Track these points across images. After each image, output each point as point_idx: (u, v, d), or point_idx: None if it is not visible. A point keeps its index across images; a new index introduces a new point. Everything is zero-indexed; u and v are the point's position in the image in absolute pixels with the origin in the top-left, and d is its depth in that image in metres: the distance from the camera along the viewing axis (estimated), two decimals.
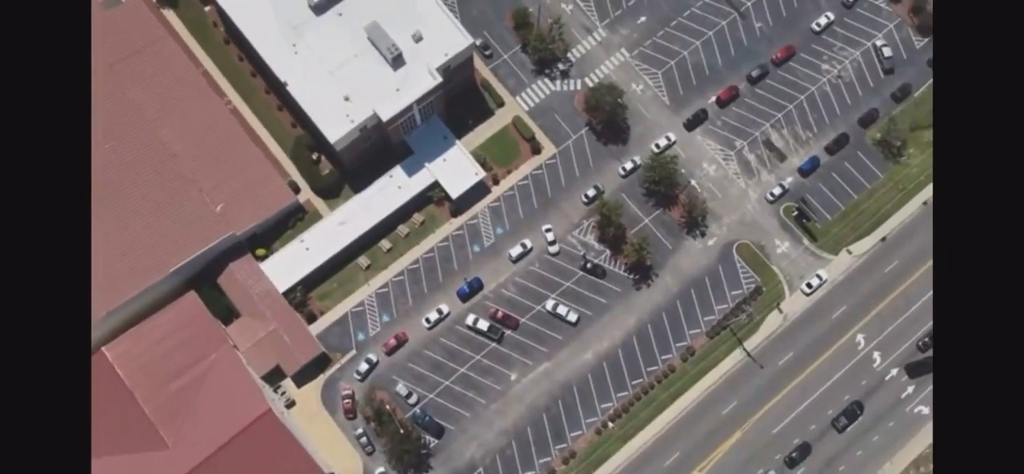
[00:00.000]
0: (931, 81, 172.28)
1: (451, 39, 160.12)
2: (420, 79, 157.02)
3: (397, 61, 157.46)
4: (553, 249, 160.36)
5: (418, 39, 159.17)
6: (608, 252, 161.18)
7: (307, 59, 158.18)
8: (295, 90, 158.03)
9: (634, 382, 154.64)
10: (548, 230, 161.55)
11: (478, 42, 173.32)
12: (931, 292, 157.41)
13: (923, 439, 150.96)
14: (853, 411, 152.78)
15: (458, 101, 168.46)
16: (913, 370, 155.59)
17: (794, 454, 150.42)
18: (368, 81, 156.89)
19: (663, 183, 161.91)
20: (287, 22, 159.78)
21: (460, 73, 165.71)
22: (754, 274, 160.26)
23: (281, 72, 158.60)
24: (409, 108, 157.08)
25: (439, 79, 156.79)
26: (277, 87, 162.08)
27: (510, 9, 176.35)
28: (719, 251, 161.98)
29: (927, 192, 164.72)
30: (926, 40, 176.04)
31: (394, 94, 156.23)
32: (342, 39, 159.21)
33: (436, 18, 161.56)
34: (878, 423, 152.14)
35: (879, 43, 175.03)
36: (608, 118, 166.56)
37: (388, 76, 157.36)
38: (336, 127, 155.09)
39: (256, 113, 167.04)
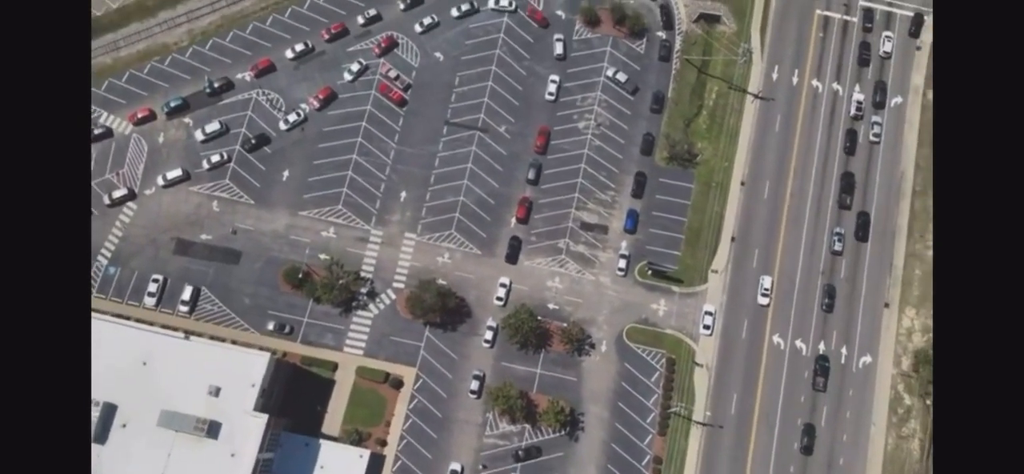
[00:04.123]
0: (673, 71, 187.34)
1: (247, 367, 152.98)
2: (246, 430, 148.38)
3: (213, 429, 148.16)
4: None
5: (216, 392, 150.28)
6: (528, 427, 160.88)
7: None
8: None
9: None
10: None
11: (271, 327, 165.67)
12: (800, 258, 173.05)
13: (883, 388, 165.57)
14: (824, 367, 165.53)
15: (293, 400, 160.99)
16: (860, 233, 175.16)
17: (805, 440, 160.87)
18: (198, 470, 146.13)
19: (529, 333, 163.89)
20: None
21: (277, 379, 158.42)
22: (656, 349, 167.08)
23: None
24: (256, 462, 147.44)
25: (264, 417, 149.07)
26: None
27: (278, 273, 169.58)
28: (616, 351, 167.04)
29: (738, 172, 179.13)
30: (643, 40, 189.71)
31: (231, 462, 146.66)
32: (144, 451, 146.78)
33: (217, 357, 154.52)
34: (841, 398, 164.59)
35: (610, 73, 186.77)
36: (440, 308, 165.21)
37: (213, 450, 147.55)
38: None
39: None
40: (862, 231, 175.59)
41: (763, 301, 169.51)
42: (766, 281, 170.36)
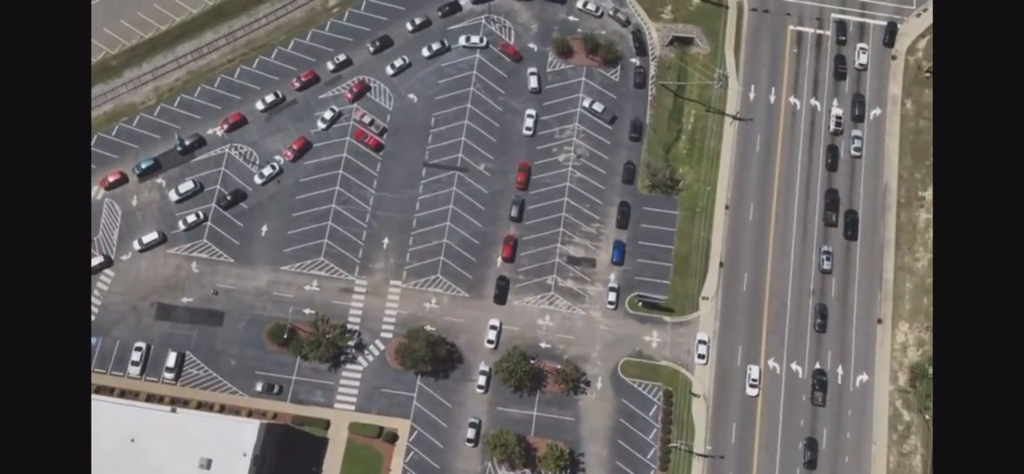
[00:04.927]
0: (649, 97, 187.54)
1: (237, 436, 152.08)
2: None
3: None
4: None
5: (208, 464, 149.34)
6: (527, 473, 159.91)
7: None
8: None
9: None
10: None
11: (259, 387, 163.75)
12: (789, 279, 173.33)
13: (881, 406, 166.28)
14: (822, 382, 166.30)
15: (286, 462, 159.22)
16: (848, 232, 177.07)
17: (808, 455, 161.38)
18: None
19: (523, 376, 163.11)
20: None
21: (269, 444, 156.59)
22: (652, 382, 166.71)
23: None
24: None
25: None
26: None
27: (263, 332, 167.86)
28: (612, 387, 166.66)
29: (722, 196, 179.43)
30: (617, 68, 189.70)
31: None
32: None
33: (207, 427, 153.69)
34: (840, 418, 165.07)
35: (586, 103, 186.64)
36: (430, 357, 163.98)
37: None
38: None
39: None
40: (851, 229, 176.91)
41: (752, 392, 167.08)
42: (754, 371, 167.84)
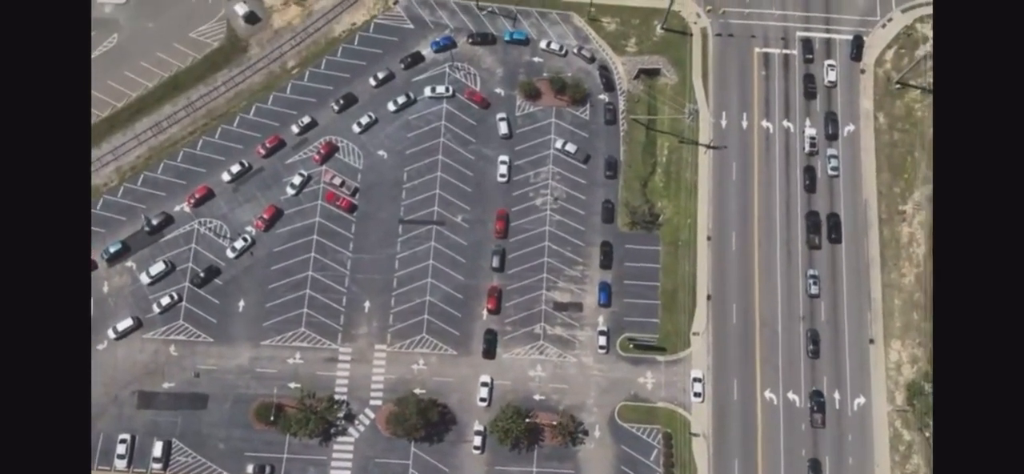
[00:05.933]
0: (621, 133, 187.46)
1: None
2: None
3: None
4: None
5: None
6: None
7: None
8: None
9: None
10: None
11: (250, 470, 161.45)
12: (778, 307, 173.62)
13: (881, 428, 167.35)
14: (819, 403, 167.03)
15: None
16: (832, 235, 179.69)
17: None
18: None
19: (522, 433, 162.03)
20: None
21: None
22: (650, 425, 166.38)
23: None
24: None
25: None
26: None
27: (249, 411, 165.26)
28: (610, 434, 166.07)
29: (702, 227, 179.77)
30: (586, 106, 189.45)
31: None
32: None
33: None
34: (841, 444, 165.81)
35: (559, 144, 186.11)
36: (423, 422, 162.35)
37: None
38: None
39: None
40: (835, 232, 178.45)
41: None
42: None
